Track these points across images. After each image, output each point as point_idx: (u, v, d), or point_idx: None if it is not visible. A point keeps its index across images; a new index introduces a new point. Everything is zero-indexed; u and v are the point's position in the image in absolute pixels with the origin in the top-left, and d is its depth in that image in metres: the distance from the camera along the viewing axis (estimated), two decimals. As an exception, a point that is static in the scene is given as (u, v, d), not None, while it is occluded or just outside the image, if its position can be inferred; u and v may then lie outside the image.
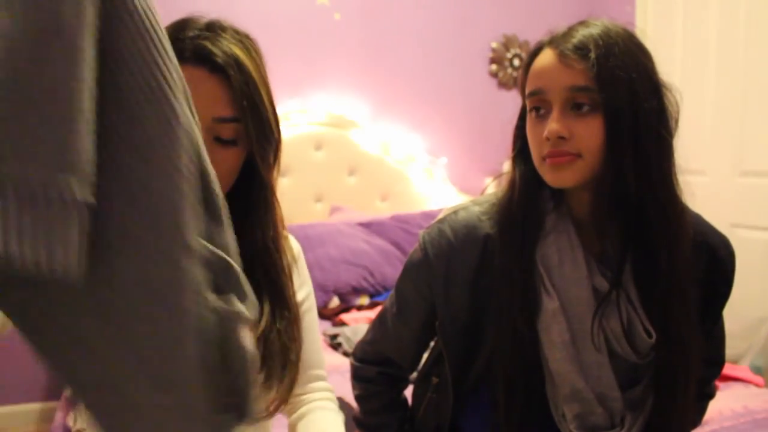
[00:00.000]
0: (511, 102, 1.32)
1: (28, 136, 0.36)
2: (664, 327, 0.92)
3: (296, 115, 3.01)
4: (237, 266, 0.52)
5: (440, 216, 1.04)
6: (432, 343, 1.13)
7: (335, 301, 2.62)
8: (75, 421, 1.66)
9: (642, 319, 0.92)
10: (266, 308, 0.92)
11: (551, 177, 0.91)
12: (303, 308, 1.01)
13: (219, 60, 0.82)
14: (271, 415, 0.96)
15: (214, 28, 0.85)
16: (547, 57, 0.91)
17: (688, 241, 0.93)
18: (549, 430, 0.98)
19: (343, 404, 1.59)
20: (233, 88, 0.82)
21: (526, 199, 0.96)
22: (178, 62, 0.80)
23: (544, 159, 0.90)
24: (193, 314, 0.44)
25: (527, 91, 0.93)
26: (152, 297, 0.43)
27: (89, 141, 0.38)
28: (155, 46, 0.43)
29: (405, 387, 1.18)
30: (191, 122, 0.46)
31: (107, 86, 0.40)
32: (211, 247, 0.48)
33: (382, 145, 3.20)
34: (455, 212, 1.03)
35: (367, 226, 2.88)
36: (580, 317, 0.93)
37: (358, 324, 2.29)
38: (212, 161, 0.82)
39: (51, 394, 2.76)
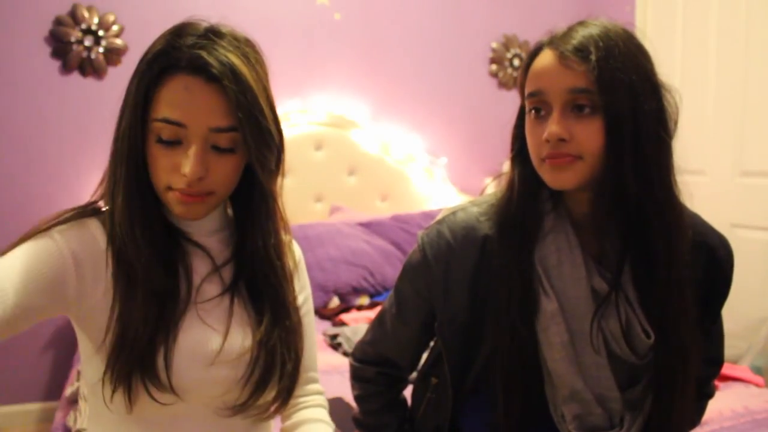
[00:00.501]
0: (511, 102, 1.31)
1: None
2: (662, 327, 0.92)
3: (296, 115, 3.01)
4: None
5: (439, 217, 1.04)
6: (431, 344, 1.13)
7: (335, 301, 2.62)
8: (75, 421, 1.66)
9: (640, 319, 0.92)
10: (266, 314, 0.92)
11: (551, 178, 0.90)
12: (301, 312, 1.01)
13: (214, 71, 0.80)
14: (271, 416, 0.96)
15: (211, 36, 0.84)
16: (547, 58, 0.90)
17: (686, 242, 0.93)
18: (548, 431, 0.98)
19: (342, 404, 1.59)
20: (229, 99, 0.81)
21: (525, 200, 0.95)
22: (174, 70, 0.82)
23: (543, 160, 0.90)
24: None
25: (527, 92, 0.93)
26: None
27: None
28: None
29: (404, 387, 1.18)
30: None
31: None
32: None
33: (382, 145, 3.20)
34: (454, 213, 1.03)
35: (367, 226, 2.88)
36: (579, 318, 0.93)
37: (358, 324, 2.29)
38: (210, 169, 0.84)
39: (51, 394, 2.76)
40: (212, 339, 0.89)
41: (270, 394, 0.93)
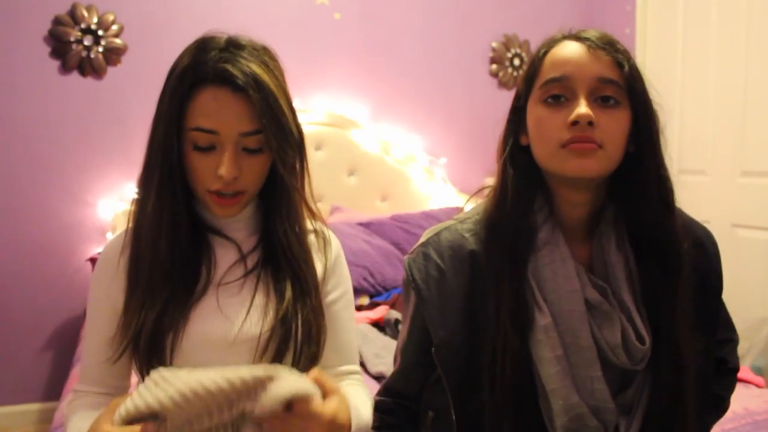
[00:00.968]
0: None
1: None
2: (658, 331, 0.92)
3: (296, 115, 3.00)
4: None
5: (422, 239, 1.01)
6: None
7: (335, 301, 2.61)
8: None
9: (636, 326, 0.91)
10: (288, 291, 1.00)
11: (575, 164, 0.87)
12: (337, 306, 1.08)
13: (239, 81, 0.90)
14: None
15: (232, 48, 0.94)
16: (573, 47, 0.91)
17: (681, 243, 0.93)
18: None
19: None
20: (254, 105, 0.91)
21: (519, 210, 0.94)
22: (203, 84, 0.91)
23: (563, 146, 0.88)
24: None
25: (547, 78, 0.91)
26: None
27: None
28: None
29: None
30: None
31: None
32: None
33: (382, 145, 3.19)
34: (437, 233, 1.00)
35: (367, 226, 2.88)
36: (573, 331, 0.91)
37: (358, 324, 2.29)
38: (243, 168, 0.93)
39: (51, 394, 2.76)
40: (225, 325, 0.96)
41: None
